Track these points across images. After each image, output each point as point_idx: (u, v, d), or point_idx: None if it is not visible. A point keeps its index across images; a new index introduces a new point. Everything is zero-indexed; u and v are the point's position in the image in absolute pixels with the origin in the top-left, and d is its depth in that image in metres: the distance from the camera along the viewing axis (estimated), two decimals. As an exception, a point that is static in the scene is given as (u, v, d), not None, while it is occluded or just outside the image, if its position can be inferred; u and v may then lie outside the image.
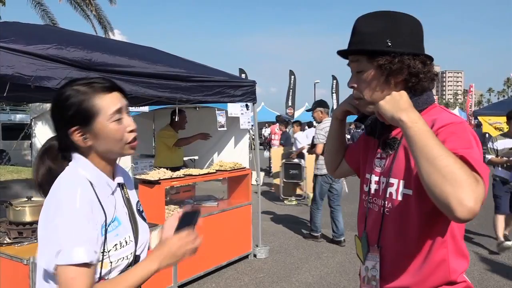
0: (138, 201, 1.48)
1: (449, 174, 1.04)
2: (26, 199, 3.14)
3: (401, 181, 1.32)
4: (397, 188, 1.33)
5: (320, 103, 5.91)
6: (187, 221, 1.34)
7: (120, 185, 1.39)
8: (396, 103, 1.22)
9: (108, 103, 1.26)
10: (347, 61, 1.43)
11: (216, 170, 4.99)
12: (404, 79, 1.32)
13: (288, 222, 7.36)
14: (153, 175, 4.19)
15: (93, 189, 1.25)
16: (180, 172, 4.60)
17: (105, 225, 1.24)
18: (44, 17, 12.44)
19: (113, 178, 1.37)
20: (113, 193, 1.33)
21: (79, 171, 1.27)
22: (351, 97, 1.51)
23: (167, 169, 4.50)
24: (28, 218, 3.04)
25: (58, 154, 1.33)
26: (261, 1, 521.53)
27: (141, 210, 1.47)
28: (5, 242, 2.99)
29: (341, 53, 1.42)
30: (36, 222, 3.05)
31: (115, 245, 1.26)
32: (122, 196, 1.39)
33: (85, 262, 1.15)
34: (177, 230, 1.32)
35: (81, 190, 1.21)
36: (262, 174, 10.81)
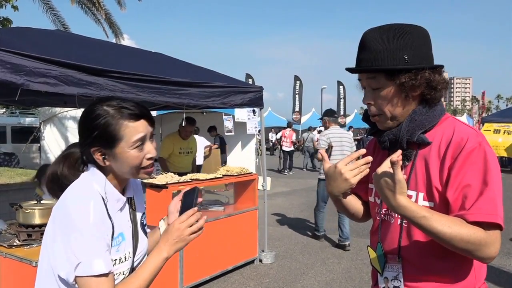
0: (143, 214, 1.50)
1: (470, 241, 1.18)
2: (36, 202, 3.18)
3: (420, 193, 1.32)
4: (415, 201, 1.32)
5: (326, 113, 6.27)
6: (188, 203, 1.36)
7: (128, 199, 1.43)
8: (387, 200, 1.25)
9: (131, 131, 1.28)
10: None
11: (223, 175, 5.02)
12: (421, 92, 1.33)
13: (294, 227, 7.36)
14: (160, 179, 4.22)
15: (105, 204, 1.28)
16: (187, 177, 4.63)
17: (111, 239, 1.28)
18: (55, 21, 12.52)
19: (124, 193, 1.40)
20: (121, 209, 1.37)
21: (93, 185, 1.30)
22: (338, 178, 1.39)
23: (174, 174, 4.54)
24: (37, 220, 3.07)
25: (75, 163, 1.38)
26: (268, 6, 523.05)
27: (144, 223, 1.49)
28: (15, 244, 3.03)
29: (352, 69, 1.41)
30: (45, 225, 3.08)
31: (115, 260, 1.30)
32: (129, 210, 1.42)
33: (105, 273, 1.19)
34: (180, 213, 1.36)
35: (94, 203, 1.24)
36: (269, 179, 10.85)
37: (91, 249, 1.18)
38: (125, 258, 1.34)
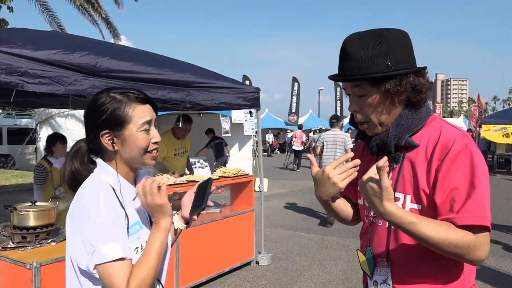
0: None
1: (458, 245, 1.18)
2: (30, 204, 3.16)
3: (408, 196, 1.32)
4: (403, 203, 1.32)
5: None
6: (200, 194, 1.39)
7: None
8: (375, 207, 1.24)
9: (139, 113, 1.34)
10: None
11: (220, 176, 5.00)
12: (407, 96, 1.33)
13: (291, 229, 7.35)
14: (156, 180, 4.20)
15: (115, 194, 1.31)
16: (183, 178, 4.61)
17: (127, 227, 1.29)
18: (52, 23, 12.49)
19: (135, 184, 1.43)
20: (134, 199, 1.39)
21: (102, 177, 1.34)
22: (328, 183, 1.38)
23: (170, 175, 4.52)
24: (32, 222, 3.05)
25: (85, 156, 1.41)
26: (265, 7, 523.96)
27: None
28: (9, 246, 3.00)
29: (336, 78, 1.41)
30: (39, 227, 3.07)
31: (136, 247, 1.31)
32: None
33: (120, 257, 1.20)
34: (193, 205, 1.39)
35: (104, 193, 1.28)
36: (266, 180, 10.85)
37: (104, 235, 1.21)
38: None
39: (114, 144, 1.33)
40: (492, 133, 16.87)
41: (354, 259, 5.59)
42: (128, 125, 1.32)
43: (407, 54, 1.34)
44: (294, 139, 18.48)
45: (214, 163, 10.54)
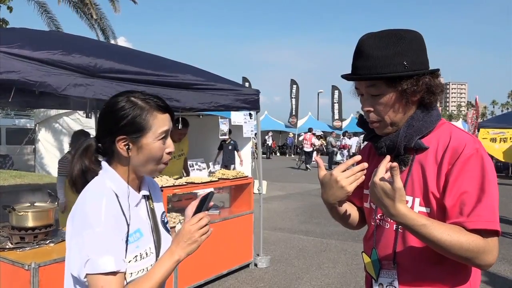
0: (163, 212, 1.50)
1: (469, 249, 1.18)
2: (29, 204, 3.15)
3: (417, 199, 1.32)
4: (411, 206, 1.31)
5: None
6: (201, 206, 1.38)
7: (145, 197, 1.42)
8: (386, 208, 1.23)
9: (159, 123, 1.31)
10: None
11: (218, 178, 4.99)
12: (421, 96, 1.33)
13: (289, 231, 7.34)
14: (155, 182, 4.20)
15: (118, 200, 1.28)
16: (182, 180, 4.61)
17: (127, 236, 1.27)
18: (50, 24, 12.52)
19: (139, 190, 1.40)
20: (137, 205, 1.36)
21: (106, 182, 1.30)
22: (334, 185, 1.36)
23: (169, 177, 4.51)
24: (30, 223, 3.04)
25: (93, 156, 1.37)
26: (264, 9, 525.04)
27: (165, 221, 1.49)
28: (7, 247, 2.99)
29: (351, 77, 1.39)
30: (38, 228, 3.06)
31: (135, 256, 1.29)
32: (147, 208, 1.41)
33: (113, 271, 1.18)
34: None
35: (106, 201, 1.24)
36: (265, 183, 10.83)
37: (101, 246, 1.18)
38: (147, 254, 1.33)
39: (129, 150, 1.29)
40: (489, 142, 16.86)
41: (353, 262, 5.59)
42: (148, 133, 1.29)
43: (422, 55, 1.34)
44: (304, 141, 19.90)
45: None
